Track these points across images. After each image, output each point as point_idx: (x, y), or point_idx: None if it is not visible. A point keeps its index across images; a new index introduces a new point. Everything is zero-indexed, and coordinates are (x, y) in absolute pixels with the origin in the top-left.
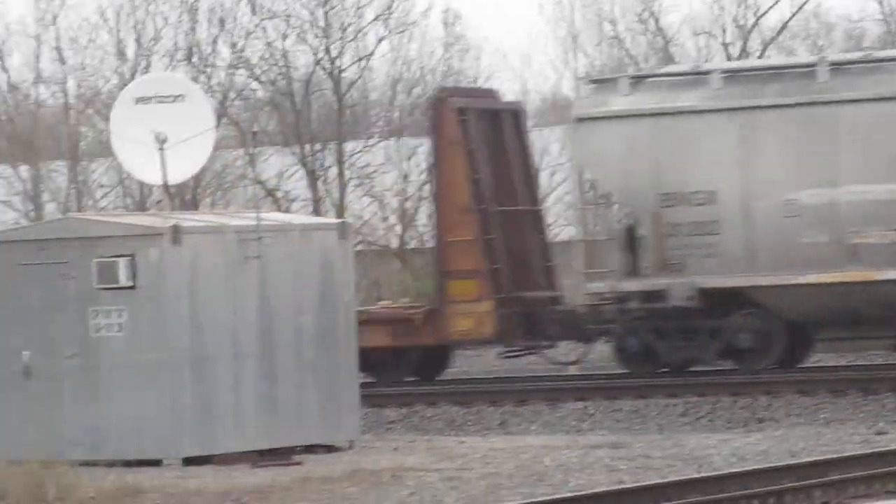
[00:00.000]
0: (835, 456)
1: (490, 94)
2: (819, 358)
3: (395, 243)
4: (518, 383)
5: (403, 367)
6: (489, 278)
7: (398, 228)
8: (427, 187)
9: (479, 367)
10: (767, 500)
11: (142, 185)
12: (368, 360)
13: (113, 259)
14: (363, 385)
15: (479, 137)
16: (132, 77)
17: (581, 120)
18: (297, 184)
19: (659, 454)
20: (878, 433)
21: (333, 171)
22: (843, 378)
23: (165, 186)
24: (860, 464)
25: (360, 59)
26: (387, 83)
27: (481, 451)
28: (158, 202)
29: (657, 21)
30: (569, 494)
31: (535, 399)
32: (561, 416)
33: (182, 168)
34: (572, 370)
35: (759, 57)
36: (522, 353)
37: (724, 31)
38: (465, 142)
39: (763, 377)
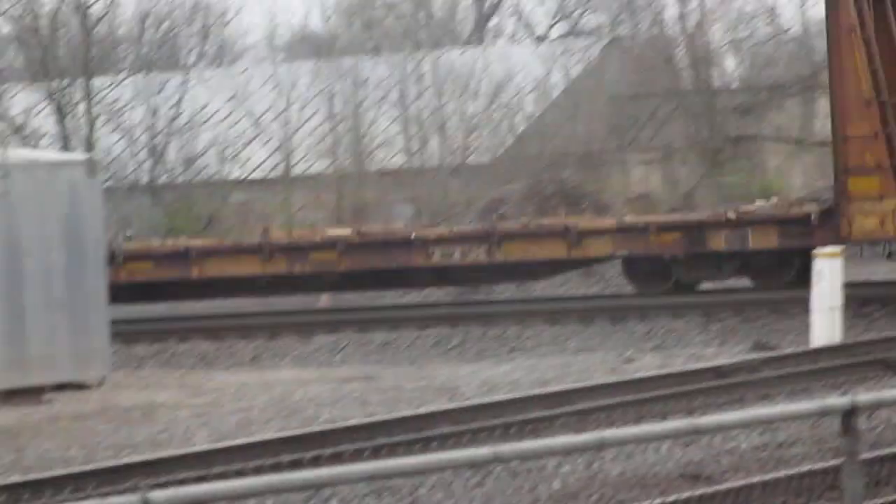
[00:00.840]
0: (584, 384)
1: None
2: (568, 287)
3: (144, 179)
4: (269, 318)
5: (786, 272)
6: (894, 174)
7: (148, 164)
8: None
9: (231, 303)
10: (520, 429)
11: None
12: (749, 264)
13: None
14: (113, 322)
15: (872, 25)
16: None
17: None
18: (45, 120)
19: (410, 386)
20: (626, 361)
21: (82, 107)
22: (592, 307)
23: None
24: (609, 391)
25: None
26: (135, 18)
27: (233, 386)
28: None
29: None
30: (321, 428)
31: (287, 333)
32: (312, 350)
33: None
34: (322, 304)
35: None
36: None
37: None
38: (862, 30)
39: (513, 307)
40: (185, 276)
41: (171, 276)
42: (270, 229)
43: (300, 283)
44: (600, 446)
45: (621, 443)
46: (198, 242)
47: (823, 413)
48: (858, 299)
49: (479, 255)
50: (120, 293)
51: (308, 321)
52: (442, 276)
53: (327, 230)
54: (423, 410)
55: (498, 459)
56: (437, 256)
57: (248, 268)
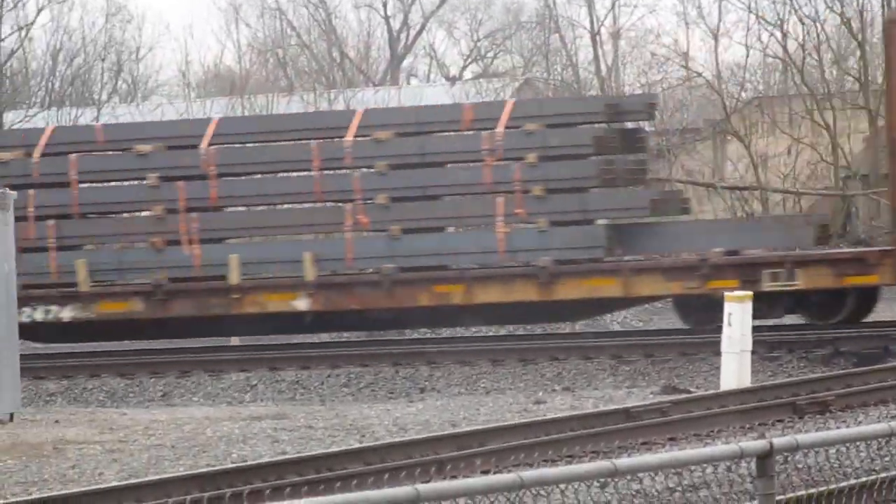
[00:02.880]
0: (495, 425)
1: None
2: (479, 328)
3: None
4: (180, 355)
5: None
6: None
7: None
8: None
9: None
10: (429, 469)
11: None
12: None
13: None
14: (23, 357)
15: None
16: None
17: None
18: None
19: (322, 424)
20: (537, 402)
21: None
22: (503, 348)
23: None
24: (519, 432)
25: (20, 29)
26: (47, 53)
27: (143, 422)
28: None
29: None
30: (231, 465)
31: (197, 370)
32: (223, 388)
33: None
34: (234, 342)
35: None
36: None
37: (385, 4)
38: None
39: (424, 347)
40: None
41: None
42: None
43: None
44: (520, 487)
45: (540, 484)
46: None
47: (741, 456)
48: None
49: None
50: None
51: (219, 359)
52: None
53: None
54: (333, 449)
55: (419, 499)
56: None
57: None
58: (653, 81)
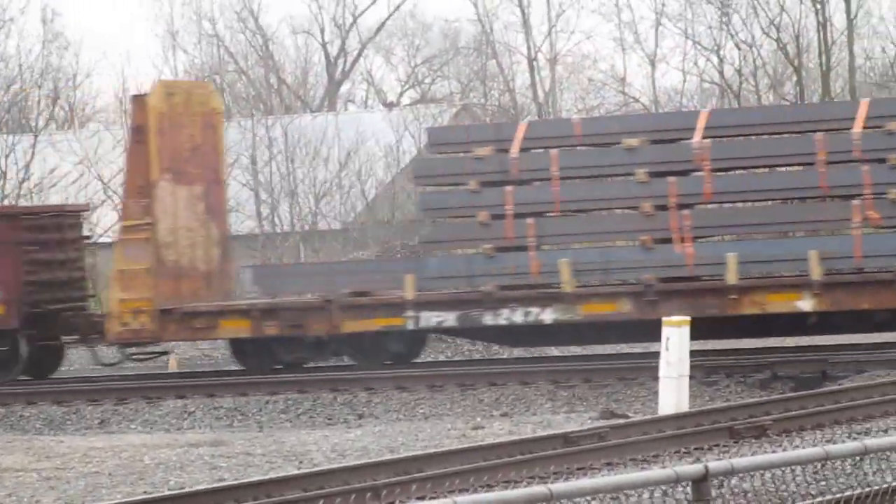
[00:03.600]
0: (433, 451)
1: None
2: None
3: None
4: (117, 381)
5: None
6: None
7: None
8: None
9: (80, 366)
10: (366, 496)
11: None
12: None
13: None
14: None
15: None
16: None
17: None
18: None
19: (260, 451)
20: (475, 427)
21: None
22: (441, 374)
23: None
24: (457, 458)
25: None
26: None
27: (81, 450)
28: None
29: (256, 19)
30: (169, 493)
31: (135, 397)
32: (161, 415)
33: None
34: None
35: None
36: None
37: (322, 30)
38: None
39: (363, 373)
40: None
41: None
42: None
43: None
44: None
45: None
46: None
47: (677, 480)
48: None
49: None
50: None
51: (156, 385)
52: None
53: None
54: (272, 476)
55: None
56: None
57: None
58: (590, 106)
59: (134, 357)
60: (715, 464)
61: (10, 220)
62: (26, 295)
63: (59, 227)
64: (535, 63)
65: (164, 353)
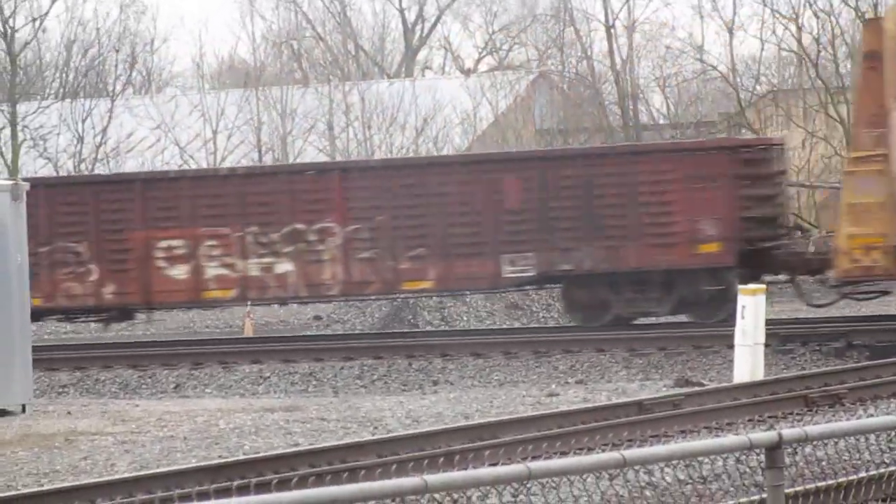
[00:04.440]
0: (507, 418)
1: None
2: (493, 321)
3: None
4: (193, 346)
5: None
6: None
7: None
8: None
9: (155, 330)
10: (439, 462)
11: None
12: None
13: None
14: (35, 349)
15: None
16: None
17: None
18: None
19: (335, 416)
20: (550, 395)
21: (7, 132)
22: (516, 341)
23: None
24: (531, 425)
25: (34, 20)
26: (61, 44)
27: (156, 414)
28: None
29: None
30: (244, 457)
31: (210, 362)
32: (236, 380)
33: None
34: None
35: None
36: None
37: None
38: None
39: (439, 340)
40: None
41: None
42: None
43: None
44: (527, 478)
45: (547, 475)
46: None
47: (750, 447)
48: None
49: None
50: None
51: (232, 350)
52: None
53: None
54: (346, 441)
55: (427, 489)
56: None
57: None
58: (668, 74)
59: (850, 296)
60: (788, 431)
61: (729, 153)
62: (741, 232)
63: (765, 161)
64: (612, 30)
65: (886, 292)
